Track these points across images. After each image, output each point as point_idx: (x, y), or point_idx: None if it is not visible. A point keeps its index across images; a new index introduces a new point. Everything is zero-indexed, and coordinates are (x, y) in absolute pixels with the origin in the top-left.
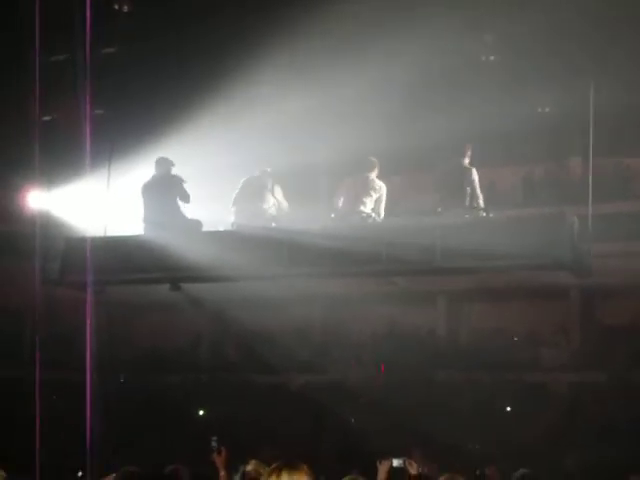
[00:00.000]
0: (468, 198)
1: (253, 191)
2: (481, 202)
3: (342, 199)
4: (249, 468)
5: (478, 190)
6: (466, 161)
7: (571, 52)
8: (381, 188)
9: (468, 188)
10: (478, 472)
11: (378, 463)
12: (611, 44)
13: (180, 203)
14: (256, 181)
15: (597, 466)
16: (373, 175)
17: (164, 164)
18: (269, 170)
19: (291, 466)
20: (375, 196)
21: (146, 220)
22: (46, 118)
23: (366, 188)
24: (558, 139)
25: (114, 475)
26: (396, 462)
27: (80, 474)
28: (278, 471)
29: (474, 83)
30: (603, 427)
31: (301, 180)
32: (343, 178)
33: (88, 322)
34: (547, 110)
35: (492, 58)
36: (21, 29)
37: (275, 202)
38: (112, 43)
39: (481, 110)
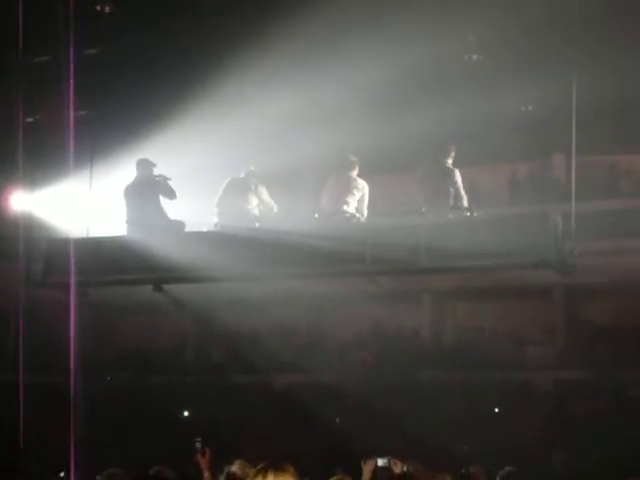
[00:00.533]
0: (452, 199)
1: (237, 192)
2: (465, 202)
3: (325, 199)
4: (234, 469)
5: (462, 191)
6: (449, 162)
7: (554, 49)
8: (363, 187)
9: (452, 189)
10: (463, 470)
11: (363, 463)
12: (595, 41)
13: (163, 204)
14: (240, 182)
15: (583, 464)
16: (354, 174)
17: (145, 165)
18: (252, 169)
19: (277, 467)
20: (358, 195)
21: (129, 222)
22: (29, 119)
23: (349, 187)
24: (543, 137)
25: (99, 477)
26: (381, 462)
27: (62, 474)
28: (264, 472)
29: (458, 83)
30: (589, 425)
31: (285, 180)
32: (327, 178)
33: (72, 324)
34: (531, 108)
35: (475, 57)
36: (4, 31)
37: (259, 202)
38: (94, 44)
39: (465, 109)
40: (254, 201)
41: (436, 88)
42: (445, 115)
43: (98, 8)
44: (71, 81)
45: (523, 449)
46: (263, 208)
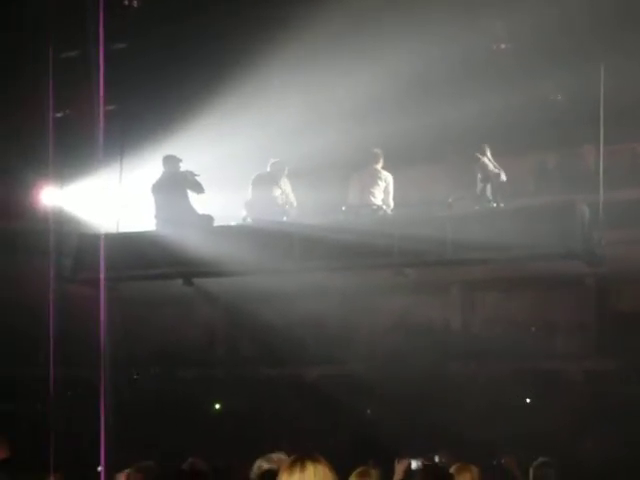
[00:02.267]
0: (479, 184)
1: (264, 186)
2: (503, 176)
3: (351, 192)
4: (266, 464)
5: (495, 169)
6: (477, 152)
7: (582, 38)
8: (387, 178)
9: (479, 174)
10: (495, 462)
11: (396, 462)
12: (623, 29)
13: (191, 199)
14: (267, 176)
15: (615, 453)
16: (378, 166)
17: (172, 161)
18: (275, 161)
19: (313, 458)
20: (383, 186)
21: (158, 217)
22: (59, 114)
23: (374, 179)
24: (570, 127)
25: (130, 470)
26: (414, 464)
27: (100, 469)
28: (302, 461)
29: (485, 72)
30: (620, 414)
31: (312, 173)
32: (353, 171)
33: (102, 318)
34: (559, 98)
35: (503, 47)
36: (33, 26)
37: (281, 193)
38: (123, 39)
39: (493, 99)
40: (278, 191)
41: (464, 79)
42: (473, 106)
43: (126, 3)
44: (100, 76)
45: (554, 439)
46: (286, 200)
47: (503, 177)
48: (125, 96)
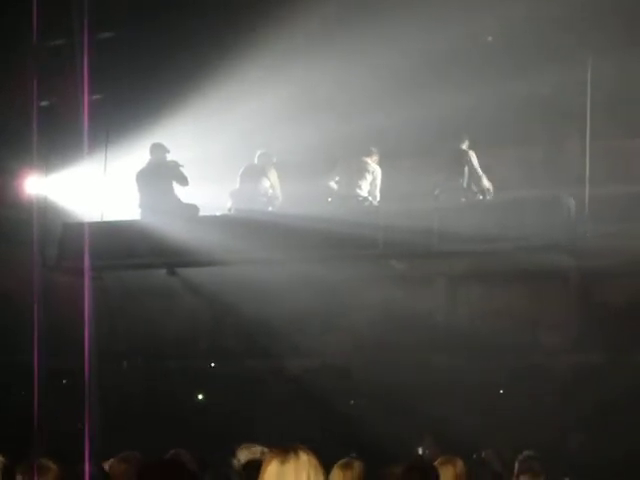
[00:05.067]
0: (467, 179)
1: (251, 177)
2: (485, 182)
3: (338, 182)
4: (245, 454)
5: (479, 171)
6: (464, 146)
7: (570, 32)
8: (375, 171)
9: (466, 169)
10: (475, 456)
11: None
12: (611, 23)
13: (176, 188)
14: (254, 167)
15: (599, 448)
16: (368, 159)
17: (159, 150)
18: (259, 153)
19: (302, 448)
20: (370, 178)
21: (142, 206)
22: (43, 103)
23: (362, 171)
24: (556, 121)
25: (114, 459)
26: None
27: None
28: (294, 451)
29: (472, 65)
30: (605, 409)
31: (298, 164)
32: (341, 162)
33: (86, 308)
34: (545, 92)
35: (490, 39)
36: (19, 14)
37: (270, 185)
38: (109, 27)
39: (479, 92)
40: (267, 184)
41: (449, 70)
42: (460, 98)
43: None
44: (86, 65)
45: (539, 433)
46: (272, 192)
47: (485, 183)
48: (111, 85)
